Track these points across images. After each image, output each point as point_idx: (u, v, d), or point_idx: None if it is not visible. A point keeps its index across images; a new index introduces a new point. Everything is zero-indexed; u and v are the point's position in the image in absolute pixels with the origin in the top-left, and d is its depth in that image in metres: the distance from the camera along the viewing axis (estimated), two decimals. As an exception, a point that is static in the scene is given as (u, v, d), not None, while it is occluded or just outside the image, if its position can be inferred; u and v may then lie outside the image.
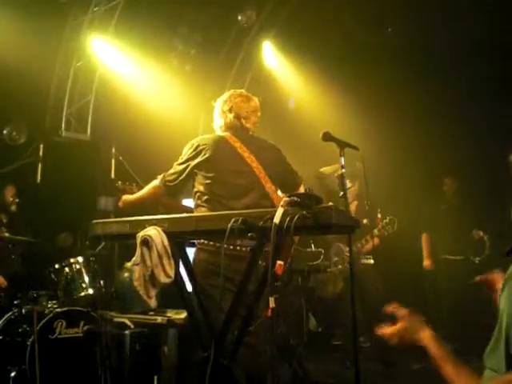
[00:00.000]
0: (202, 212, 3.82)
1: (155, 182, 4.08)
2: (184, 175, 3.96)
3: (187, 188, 4.08)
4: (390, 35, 8.59)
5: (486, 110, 7.68)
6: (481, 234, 7.26)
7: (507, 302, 1.96)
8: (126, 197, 4.23)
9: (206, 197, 3.87)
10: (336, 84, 8.20)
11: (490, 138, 7.58)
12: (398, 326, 2.20)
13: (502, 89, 7.58)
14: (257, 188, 3.92)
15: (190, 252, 3.62)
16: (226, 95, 4.24)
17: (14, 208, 6.31)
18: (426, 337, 2.10)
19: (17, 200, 6.31)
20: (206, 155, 3.90)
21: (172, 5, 7.86)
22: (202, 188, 3.89)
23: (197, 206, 3.92)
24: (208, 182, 3.88)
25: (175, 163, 4.02)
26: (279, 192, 4.06)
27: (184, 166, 3.96)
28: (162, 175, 4.04)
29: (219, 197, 3.84)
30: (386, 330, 2.22)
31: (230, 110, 4.13)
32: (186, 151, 3.99)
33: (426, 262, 7.48)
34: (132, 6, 7.48)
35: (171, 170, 4.01)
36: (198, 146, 3.95)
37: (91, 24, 7.38)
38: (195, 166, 3.92)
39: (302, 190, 4.01)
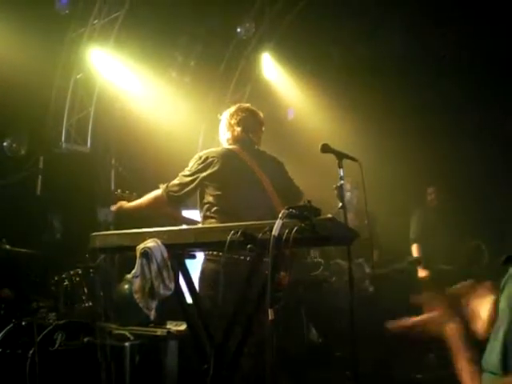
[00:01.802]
0: (212, 223, 3.84)
1: (157, 192, 4.09)
2: (191, 187, 3.98)
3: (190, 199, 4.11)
4: (388, 47, 8.63)
5: (485, 120, 7.72)
6: (478, 243, 7.18)
7: (507, 301, 1.99)
8: (123, 203, 4.23)
9: (215, 208, 3.90)
10: (335, 95, 8.24)
11: (488, 146, 7.63)
12: (426, 315, 2.27)
13: (500, 98, 7.63)
14: (266, 201, 3.96)
15: (193, 263, 3.62)
16: (232, 109, 4.27)
17: None
18: (451, 329, 2.16)
19: None
20: (216, 167, 3.93)
21: (172, 17, 7.90)
22: (211, 199, 3.92)
23: (206, 217, 3.94)
24: (218, 193, 3.91)
25: (181, 174, 4.03)
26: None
27: (192, 177, 3.98)
28: (164, 185, 4.05)
29: (229, 209, 3.86)
30: (408, 322, 2.30)
31: (238, 124, 4.17)
32: (194, 163, 4.01)
33: (422, 274, 7.36)
34: (132, 19, 7.52)
35: (176, 181, 4.02)
36: (207, 158, 3.98)
37: (91, 36, 7.42)
38: (204, 178, 3.94)
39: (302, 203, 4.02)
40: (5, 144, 7.36)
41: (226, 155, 4.03)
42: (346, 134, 7.48)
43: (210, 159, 3.97)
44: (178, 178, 4.04)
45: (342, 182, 3.95)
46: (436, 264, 7.36)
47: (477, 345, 2.13)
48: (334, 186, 3.97)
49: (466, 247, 7.22)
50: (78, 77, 7.59)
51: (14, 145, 7.41)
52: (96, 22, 7.38)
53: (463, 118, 7.82)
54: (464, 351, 2.09)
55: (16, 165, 7.33)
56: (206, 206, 3.96)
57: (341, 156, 3.99)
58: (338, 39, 8.73)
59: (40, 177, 7.53)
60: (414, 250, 7.51)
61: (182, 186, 4.00)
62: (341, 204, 3.93)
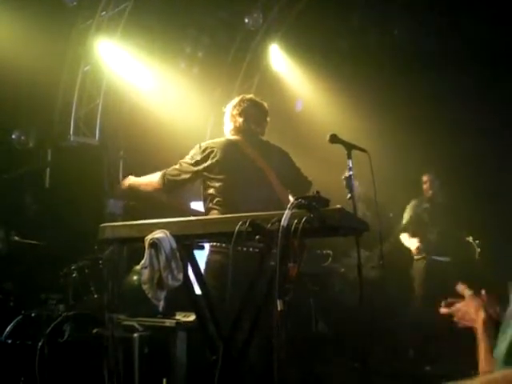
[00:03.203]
0: (214, 214, 3.84)
1: (157, 174, 4.13)
2: (188, 176, 4.01)
3: (188, 189, 4.12)
4: (397, 37, 8.58)
5: (489, 110, 7.67)
6: (470, 239, 6.93)
7: None
8: (130, 177, 4.25)
9: (217, 199, 3.91)
10: (343, 86, 8.19)
11: (498, 140, 7.58)
12: (463, 304, 2.27)
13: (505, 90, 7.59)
14: (269, 193, 3.95)
15: (200, 254, 3.62)
16: (236, 100, 4.28)
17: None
18: (480, 319, 2.16)
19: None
20: (216, 158, 3.93)
21: (179, 8, 7.87)
22: (212, 191, 3.93)
23: (209, 209, 3.95)
24: (219, 184, 3.92)
25: (181, 161, 4.06)
26: (290, 197, 4.06)
27: (190, 167, 4.00)
28: (165, 170, 4.08)
29: (230, 200, 3.86)
30: (451, 307, 2.30)
31: (240, 115, 4.17)
32: (194, 153, 4.03)
33: (416, 250, 7.09)
34: (139, 10, 7.49)
35: (176, 166, 4.06)
36: (206, 148, 3.99)
37: (99, 28, 7.40)
38: (204, 169, 3.96)
39: (310, 192, 4.00)
40: (13, 137, 7.36)
41: (227, 146, 4.03)
42: (354, 125, 7.44)
43: (209, 150, 3.98)
44: (178, 164, 4.07)
45: (351, 172, 3.94)
46: (429, 255, 7.12)
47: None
48: (343, 176, 3.96)
49: (457, 243, 7.02)
50: (85, 69, 7.57)
51: (23, 137, 7.40)
52: (104, 13, 7.35)
53: (473, 110, 7.74)
54: (486, 342, 2.09)
55: (24, 157, 7.33)
56: (209, 197, 3.97)
57: (349, 147, 3.98)
58: (346, 30, 8.68)
59: (48, 169, 7.54)
60: (404, 239, 7.24)
61: (180, 172, 4.03)
62: (350, 195, 3.92)
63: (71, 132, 7.63)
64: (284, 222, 2.71)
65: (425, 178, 7.42)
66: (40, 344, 4.72)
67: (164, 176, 4.06)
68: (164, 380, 4.56)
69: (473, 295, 2.27)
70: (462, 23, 7.82)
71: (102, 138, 7.88)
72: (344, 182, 3.93)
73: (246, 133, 4.14)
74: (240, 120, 4.16)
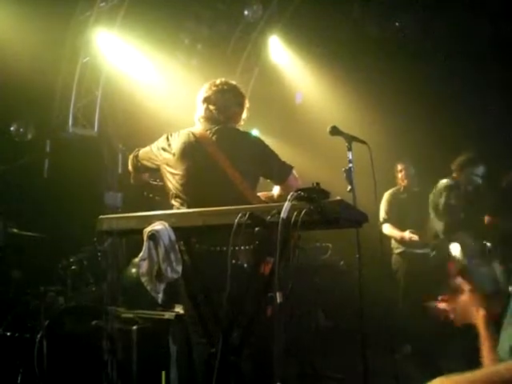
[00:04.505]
0: (175, 210, 3.77)
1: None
2: (149, 163, 3.98)
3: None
4: (398, 29, 8.55)
5: (495, 107, 7.64)
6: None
7: None
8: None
9: (175, 194, 3.83)
10: (343, 78, 8.17)
11: (497, 134, 7.55)
12: (462, 299, 2.24)
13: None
14: (226, 187, 3.73)
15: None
16: (205, 85, 4.09)
17: None
18: (480, 316, 2.14)
19: None
20: (172, 151, 3.85)
21: (178, 0, 7.85)
22: (170, 185, 3.85)
23: (172, 205, 3.88)
24: (175, 178, 3.83)
25: (152, 145, 4.00)
26: (276, 187, 3.97)
27: (154, 154, 3.95)
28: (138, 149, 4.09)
29: (187, 196, 3.77)
30: (444, 305, 2.27)
31: (205, 101, 4.00)
32: (160, 142, 3.95)
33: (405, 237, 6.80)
34: (138, 1, 7.46)
35: (146, 148, 4.02)
36: (167, 138, 3.92)
37: (97, 20, 7.36)
38: (163, 161, 3.89)
39: (293, 177, 3.87)
40: (12, 129, 7.34)
41: (186, 139, 3.87)
42: (355, 117, 7.42)
43: (168, 142, 3.89)
44: (148, 147, 4.01)
45: (351, 164, 3.92)
46: (408, 248, 6.89)
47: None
48: (343, 169, 3.94)
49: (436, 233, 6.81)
50: (84, 61, 7.55)
51: (21, 129, 7.38)
52: (102, 4, 7.32)
53: (477, 101, 7.70)
54: (488, 339, 2.07)
55: (23, 149, 7.31)
56: (169, 192, 3.87)
57: (350, 139, 3.96)
58: (347, 21, 8.65)
59: (47, 161, 7.52)
60: (387, 230, 6.91)
61: (147, 157, 3.99)
62: (350, 187, 3.91)
63: (70, 123, 7.62)
64: (284, 214, 2.68)
65: (399, 167, 7.13)
66: (39, 336, 4.71)
67: (136, 153, 4.07)
68: (163, 373, 4.55)
69: (472, 291, 2.23)
70: (473, 14, 7.80)
71: (101, 130, 7.86)
72: (344, 175, 3.92)
73: (211, 121, 3.95)
74: (204, 107, 3.99)
